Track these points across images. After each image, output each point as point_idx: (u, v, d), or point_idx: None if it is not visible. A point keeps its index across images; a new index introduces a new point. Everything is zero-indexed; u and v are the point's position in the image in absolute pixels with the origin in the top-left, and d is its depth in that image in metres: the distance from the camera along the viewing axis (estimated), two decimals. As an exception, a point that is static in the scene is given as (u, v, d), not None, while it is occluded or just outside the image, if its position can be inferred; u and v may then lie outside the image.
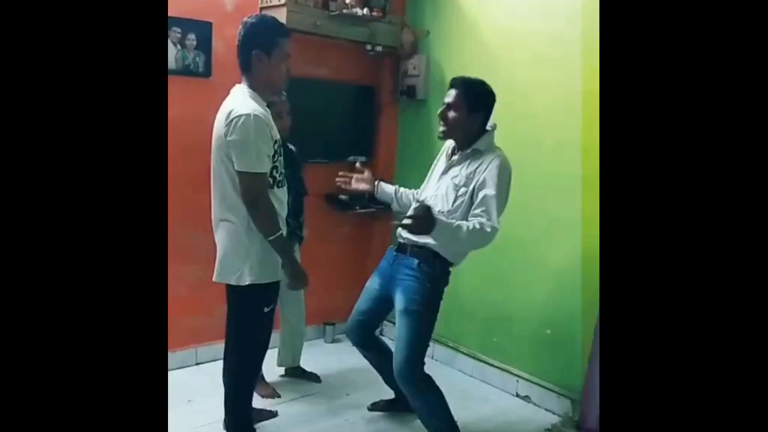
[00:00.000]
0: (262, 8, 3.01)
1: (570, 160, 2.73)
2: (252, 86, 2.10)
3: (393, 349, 2.39)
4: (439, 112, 2.36)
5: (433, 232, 2.07)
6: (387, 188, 2.63)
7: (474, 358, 3.22)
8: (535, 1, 2.87)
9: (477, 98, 2.32)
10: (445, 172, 2.38)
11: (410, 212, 2.16)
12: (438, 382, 2.38)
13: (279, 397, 2.82)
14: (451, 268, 2.39)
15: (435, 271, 2.33)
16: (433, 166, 2.53)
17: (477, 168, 2.27)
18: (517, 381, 3.01)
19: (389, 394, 2.81)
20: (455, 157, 2.36)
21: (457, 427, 2.39)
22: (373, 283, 2.55)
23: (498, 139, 2.39)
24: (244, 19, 2.14)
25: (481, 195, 2.22)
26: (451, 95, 2.33)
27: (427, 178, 2.52)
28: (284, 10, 2.88)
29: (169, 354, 2.98)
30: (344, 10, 3.10)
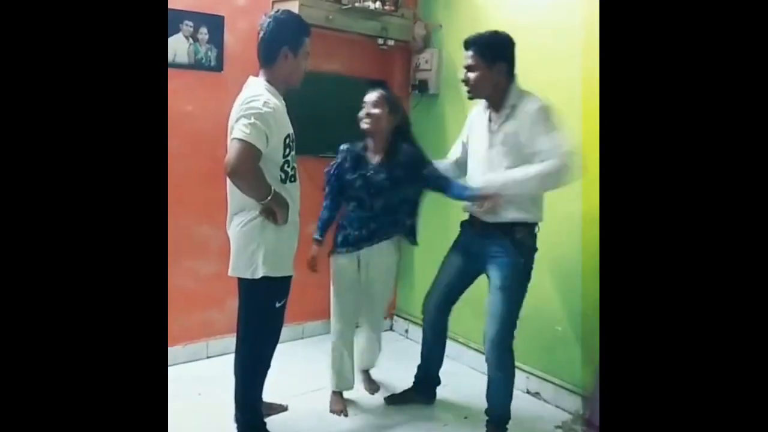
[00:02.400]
0: (274, 2, 3.01)
1: (577, 154, 2.70)
2: (270, 80, 2.10)
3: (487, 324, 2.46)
4: (461, 78, 2.37)
5: (503, 194, 2.24)
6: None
7: (485, 354, 3.20)
8: (549, -5, 2.84)
9: (493, 50, 2.31)
10: (491, 144, 2.37)
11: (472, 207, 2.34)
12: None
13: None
14: (536, 231, 2.43)
15: (525, 244, 2.38)
16: (466, 131, 2.57)
17: (520, 123, 2.27)
18: (528, 378, 3.00)
19: (400, 388, 2.82)
20: (494, 124, 2.36)
21: (510, 414, 2.51)
22: (454, 261, 2.58)
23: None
24: (272, 12, 2.14)
25: (538, 142, 2.22)
26: (467, 57, 2.33)
27: (460, 145, 2.59)
28: (297, 3, 2.87)
29: (180, 347, 3.00)
30: (356, 4, 3.09)
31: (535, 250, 2.44)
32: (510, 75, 2.34)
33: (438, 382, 2.80)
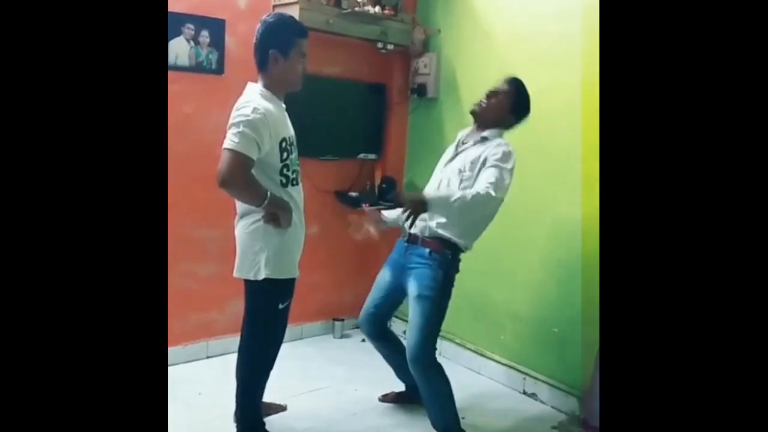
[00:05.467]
0: (275, 6, 3.03)
1: (576, 158, 2.73)
2: (266, 85, 2.12)
3: (406, 336, 2.42)
4: (488, 92, 2.44)
5: (429, 208, 2.19)
6: (391, 214, 2.68)
7: (481, 355, 3.24)
8: (546, 0, 2.87)
9: (522, 103, 2.44)
10: (452, 159, 2.47)
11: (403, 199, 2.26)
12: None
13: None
14: (461, 255, 2.46)
15: (446, 258, 2.39)
16: (441, 158, 2.59)
17: (480, 154, 2.34)
18: (524, 378, 3.02)
19: (398, 388, 2.84)
20: (464, 145, 2.45)
21: (458, 421, 2.43)
22: (384, 275, 2.61)
23: (506, 136, 2.44)
24: (263, 17, 2.16)
25: (484, 170, 2.29)
26: (504, 86, 2.43)
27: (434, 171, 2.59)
28: (297, 7, 2.90)
29: (180, 347, 3.02)
30: (356, 8, 3.11)
31: (456, 271, 2.46)
32: (513, 125, 2.47)
33: None
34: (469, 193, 2.20)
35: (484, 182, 2.23)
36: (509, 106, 2.42)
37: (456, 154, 2.46)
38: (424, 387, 2.42)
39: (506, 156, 2.30)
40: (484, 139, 2.39)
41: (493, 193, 2.20)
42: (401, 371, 2.74)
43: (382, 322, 2.69)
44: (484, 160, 2.31)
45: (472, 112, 2.47)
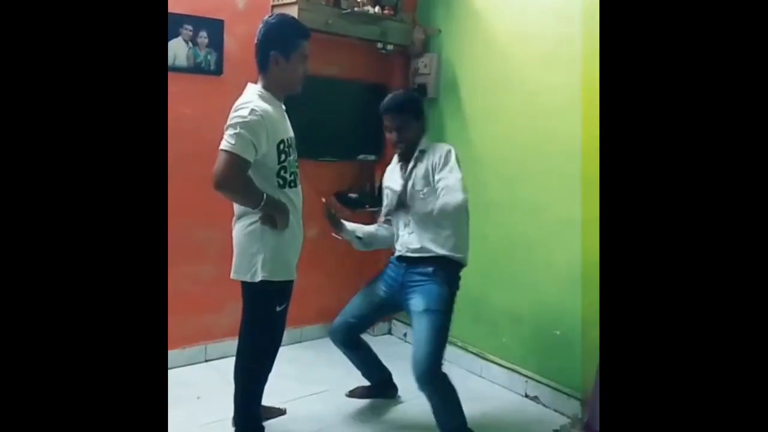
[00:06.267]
0: (273, 6, 3.01)
1: (576, 159, 2.71)
2: (266, 86, 2.10)
3: (412, 350, 2.41)
4: (393, 141, 2.52)
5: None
6: (349, 226, 2.71)
7: (482, 358, 3.21)
8: (547, 1, 2.85)
9: (414, 108, 2.52)
10: (404, 186, 2.49)
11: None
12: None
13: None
14: (461, 273, 2.52)
15: (450, 274, 2.47)
16: (385, 190, 2.64)
17: (427, 165, 2.44)
18: (526, 381, 3.00)
19: (364, 382, 2.88)
20: (407, 170, 2.51)
21: (468, 428, 2.41)
22: (376, 290, 2.62)
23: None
24: (265, 17, 2.14)
25: (437, 179, 2.40)
26: (393, 120, 2.49)
27: (386, 201, 2.63)
28: (296, 8, 2.88)
29: (179, 351, 3.00)
30: (355, 8, 3.10)
31: (457, 288, 2.51)
32: (424, 127, 2.59)
33: (390, 378, 2.86)
34: (440, 204, 2.32)
35: (446, 191, 2.33)
36: (411, 122, 2.49)
37: (407, 180, 2.49)
38: (435, 399, 2.40)
39: (446, 158, 2.41)
40: (423, 153, 2.48)
41: (460, 196, 2.31)
42: (369, 370, 2.80)
43: (357, 333, 2.70)
44: (433, 170, 2.41)
45: (400, 155, 2.57)
